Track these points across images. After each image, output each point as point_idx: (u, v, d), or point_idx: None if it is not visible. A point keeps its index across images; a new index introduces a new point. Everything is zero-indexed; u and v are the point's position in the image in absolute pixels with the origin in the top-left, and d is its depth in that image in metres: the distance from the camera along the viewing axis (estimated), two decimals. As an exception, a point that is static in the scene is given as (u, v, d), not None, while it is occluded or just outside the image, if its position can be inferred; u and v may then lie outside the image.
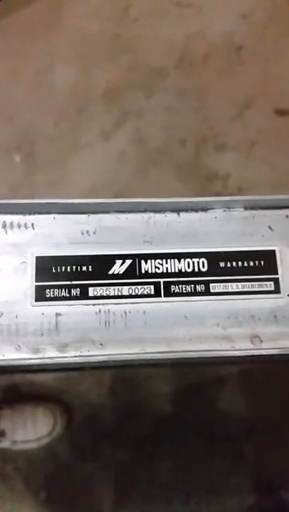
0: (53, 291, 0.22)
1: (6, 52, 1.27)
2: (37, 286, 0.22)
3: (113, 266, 0.22)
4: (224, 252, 0.22)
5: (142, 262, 0.22)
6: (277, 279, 0.22)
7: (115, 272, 0.22)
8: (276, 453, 1.07)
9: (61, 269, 0.22)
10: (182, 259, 0.22)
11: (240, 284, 0.22)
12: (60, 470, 1.16)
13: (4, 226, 0.22)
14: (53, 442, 1.14)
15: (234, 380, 1.09)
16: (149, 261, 0.22)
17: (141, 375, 1.15)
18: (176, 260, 0.22)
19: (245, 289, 0.22)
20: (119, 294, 0.22)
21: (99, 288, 0.22)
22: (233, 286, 0.22)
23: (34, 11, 1.30)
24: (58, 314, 0.21)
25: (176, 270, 0.22)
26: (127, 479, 1.12)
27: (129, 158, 1.05)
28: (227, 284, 0.22)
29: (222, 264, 0.22)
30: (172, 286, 0.22)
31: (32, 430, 1.06)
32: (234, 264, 0.22)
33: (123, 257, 0.22)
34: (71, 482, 1.15)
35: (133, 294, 0.22)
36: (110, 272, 0.22)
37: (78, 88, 1.18)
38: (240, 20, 1.05)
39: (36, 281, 0.22)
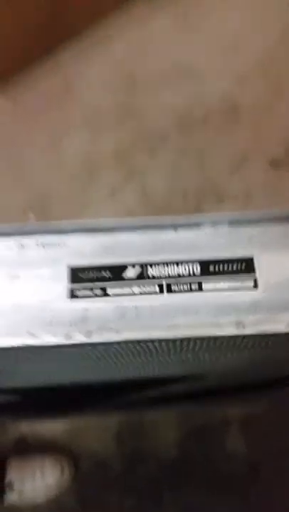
0: (82, 292, 0.28)
1: (23, 119, 1.39)
2: (70, 288, 0.28)
3: (126, 271, 0.29)
4: (213, 259, 0.29)
5: (149, 267, 0.29)
6: (256, 278, 0.29)
7: (128, 276, 0.29)
8: (279, 495, 1.09)
9: (88, 274, 0.29)
10: (180, 265, 0.29)
11: (226, 283, 0.29)
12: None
13: (44, 245, 0.29)
14: (60, 493, 1.15)
15: (239, 422, 1.12)
16: (154, 266, 0.29)
17: (146, 421, 1.18)
18: (175, 265, 0.29)
19: (231, 287, 0.29)
20: (132, 292, 0.28)
21: (116, 288, 0.28)
22: (220, 285, 0.29)
23: (49, 85, 1.43)
24: (85, 309, 0.28)
25: (176, 273, 0.29)
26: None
27: (136, 211, 1.13)
28: (216, 283, 0.29)
29: (211, 268, 0.29)
30: (172, 285, 0.29)
31: (40, 480, 1.10)
32: (221, 267, 0.29)
33: (134, 264, 0.29)
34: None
35: (142, 292, 0.28)
36: (124, 276, 0.29)
37: (89, 151, 1.29)
38: (237, 83, 1.16)
39: (69, 284, 0.28)
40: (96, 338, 0.27)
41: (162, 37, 1.24)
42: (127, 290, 0.28)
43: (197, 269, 0.29)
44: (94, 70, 1.38)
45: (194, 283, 0.29)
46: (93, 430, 1.19)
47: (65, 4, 1.25)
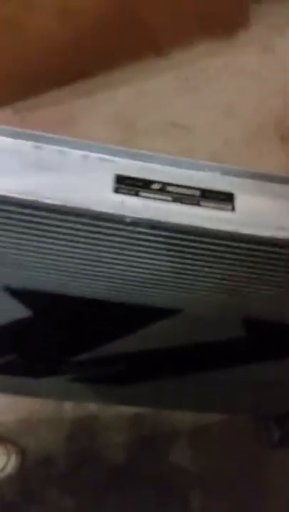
0: (122, 190, 0.44)
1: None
2: (114, 186, 0.45)
3: (153, 185, 0.45)
4: (208, 189, 0.46)
5: (168, 186, 0.46)
6: (234, 205, 0.46)
7: (154, 188, 0.45)
8: (221, 505, 1.20)
9: (128, 181, 0.45)
10: (188, 188, 0.46)
11: (215, 204, 0.46)
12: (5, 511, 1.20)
13: (101, 159, 0.46)
14: (2, 482, 1.23)
15: (186, 435, 1.23)
16: (171, 186, 0.46)
17: (100, 424, 1.29)
18: (185, 188, 0.46)
19: (217, 207, 0.45)
20: (155, 198, 0.45)
21: (145, 193, 0.45)
22: (211, 204, 0.46)
23: (56, 111, 1.62)
24: (123, 199, 0.44)
25: (185, 193, 0.46)
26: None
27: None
28: (208, 203, 0.46)
29: (207, 194, 0.46)
30: (182, 199, 0.45)
31: None
32: (213, 195, 0.46)
33: (159, 182, 0.46)
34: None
35: (162, 199, 0.45)
36: (152, 187, 0.45)
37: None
38: (223, 143, 1.38)
39: (114, 184, 0.45)
40: (127, 213, 0.43)
41: (164, 91, 1.47)
42: (152, 196, 0.45)
43: (198, 193, 0.46)
44: (98, 108, 1.58)
45: (194, 201, 0.46)
46: (46, 426, 1.28)
47: (82, 47, 1.46)
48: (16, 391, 1.08)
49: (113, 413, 1.24)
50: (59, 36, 1.42)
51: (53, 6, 1.33)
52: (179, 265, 0.49)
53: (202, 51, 1.50)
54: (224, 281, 0.51)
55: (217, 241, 0.45)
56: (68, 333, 0.70)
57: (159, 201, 0.45)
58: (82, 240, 0.46)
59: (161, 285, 0.53)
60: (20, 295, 0.58)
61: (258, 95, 1.47)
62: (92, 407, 1.24)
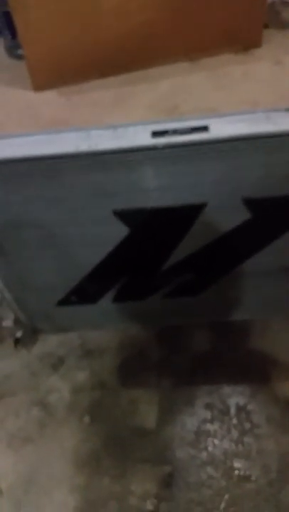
0: (156, 135, 1.01)
1: (72, 114, 1.84)
2: (151, 133, 1.02)
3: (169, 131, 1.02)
4: (196, 126, 1.02)
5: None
6: (209, 130, 1.01)
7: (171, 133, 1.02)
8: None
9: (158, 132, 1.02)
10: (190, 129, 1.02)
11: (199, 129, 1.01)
12: (107, 396, 1.34)
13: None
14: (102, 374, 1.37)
15: (256, 328, 1.47)
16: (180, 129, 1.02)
17: (184, 325, 1.47)
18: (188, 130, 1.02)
19: (201, 131, 1.01)
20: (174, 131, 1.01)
21: (166, 137, 1.02)
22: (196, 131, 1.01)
23: (102, 95, 1.90)
24: (157, 140, 1.01)
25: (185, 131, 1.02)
26: (169, 401, 1.34)
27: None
28: (198, 130, 1.01)
29: (195, 128, 1.02)
30: (183, 132, 1.01)
31: None
32: (199, 127, 1.01)
33: (173, 130, 1.02)
34: (116, 406, 1.33)
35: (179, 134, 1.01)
36: (169, 131, 1.02)
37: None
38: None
39: (151, 133, 1.02)
40: (159, 144, 0.99)
41: (199, 86, 1.86)
42: (169, 135, 1.01)
43: (189, 129, 1.00)
44: (142, 95, 1.89)
45: (188, 132, 1.00)
46: (137, 326, 1.47)
47: (128, 44, 1.88)
48: (128, 320, 1.43)
49: (194, 322, 1.48)
50: (109, 33, 1.80)
51: (108, 8, 1.73)
52: (188, 168, 1.04)
53: (224, 61, 1.94)
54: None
55: (198, 146, 1.00)
56: (154, 242, 1.19)
57: (173, 136, 1.01)
58: (148, 166, 1.03)
59: (190, 184, 1.08)
60: (122, 215, 1.13)
61: (274, 97, 1.87)
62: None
